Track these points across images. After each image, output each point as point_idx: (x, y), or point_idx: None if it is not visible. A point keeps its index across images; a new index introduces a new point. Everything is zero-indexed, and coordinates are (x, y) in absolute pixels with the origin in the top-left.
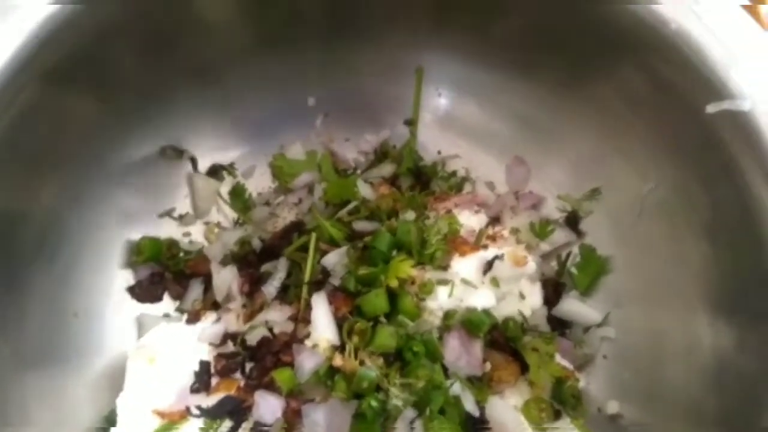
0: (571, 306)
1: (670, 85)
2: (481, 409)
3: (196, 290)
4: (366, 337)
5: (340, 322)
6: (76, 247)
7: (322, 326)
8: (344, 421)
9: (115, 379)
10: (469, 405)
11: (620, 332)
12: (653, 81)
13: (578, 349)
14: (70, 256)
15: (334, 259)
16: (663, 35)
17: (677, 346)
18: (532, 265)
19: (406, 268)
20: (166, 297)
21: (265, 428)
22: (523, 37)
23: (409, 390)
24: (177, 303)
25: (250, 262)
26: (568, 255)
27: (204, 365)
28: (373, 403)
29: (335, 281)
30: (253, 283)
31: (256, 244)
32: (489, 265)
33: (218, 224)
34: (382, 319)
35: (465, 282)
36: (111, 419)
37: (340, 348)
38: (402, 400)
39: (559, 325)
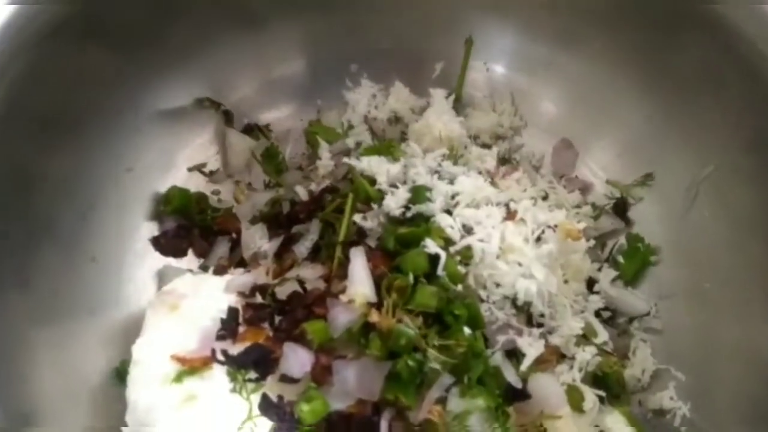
0: (618, 294)
1: (743, 59)
2: (524, 383)
3: (222, 247)
4: (405, 294)
5: (377, 281)
6: (98, 192)
7: (359, 280)
8: (376, 381)
9: (131, 333)
10: (511, 376)
11: (667, 325)
12: (724, 55)
13: (623, 339)
14: (92, 200)
15: (372, 219)
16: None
17: (732, 341)
18: (584, 243)
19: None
20: (191, 254)
21: (293, 382)
22: (579, 7)
23: (447, 354)
24: (201, 261)
25: (281, 222)
26: (615, 243)
27: (232, 311)
28: (411, 363)
29: (371, 242)
30: (284, 243)
31: (287, 206)
32: (539, 236)
33: (249, 185)
34: (423, 280)
35: (511, 250)
36: (122, 371)
37: (376, 306)
38: (440, 363)
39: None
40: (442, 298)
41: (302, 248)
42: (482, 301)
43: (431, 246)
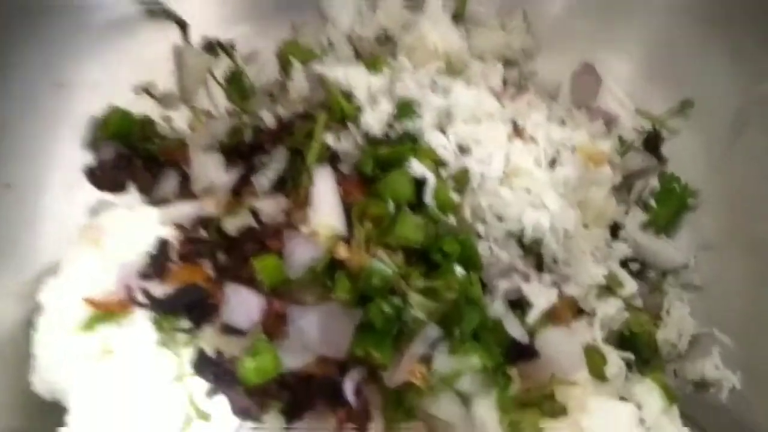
0: (648, 242)
1: None
2: (531, 339)
3: (170, 181)
4: (383, 225)
5: (347, 209)
6: (18, 105)
7: (325, 208)
8: (343, 332)
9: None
10: (515, 329)
11: (709, 280)
12: None
13: (654, 296)
14: (7, 114)
15: (347, 141)
16: None
17: None
18: (608, 172)
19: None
20: (132, 189)
21: (238, 334)
22: None
23: (434, 300)
24: (144, 197)
25: (242, 153)
26: (645, 185)
27: (162, 244)
28: (386, 308)
29: (346, 169)
30: (243, 176)
31: (250, 133)
32: (553, 159)
33: (207, 112)
34: (406, 209)
35: (517, 174)
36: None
37: (346, 240)
38: (424, 310)
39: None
40: (429, 232)
41: (263, 180)
42: (480, 237)
43: (417, 167)
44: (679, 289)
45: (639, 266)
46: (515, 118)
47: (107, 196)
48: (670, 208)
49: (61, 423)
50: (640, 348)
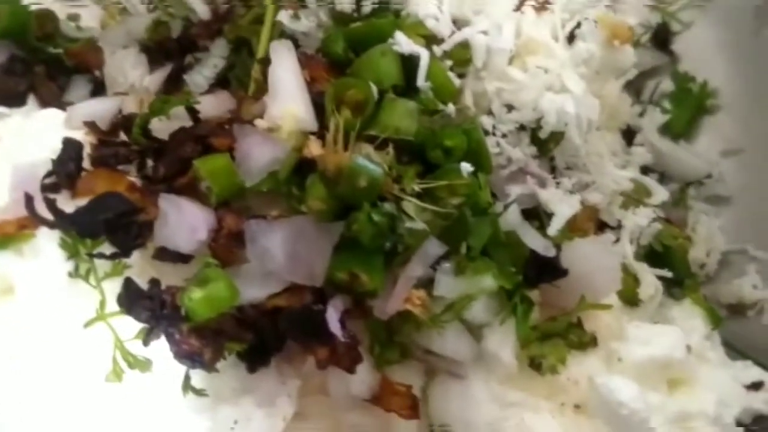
0: (668, 148)
1: None
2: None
3: (80, 90)
4: (365, 112)
5: (316, 99)
6: None
7: (287, 93)
8: (319, 252)
9: None
10: (535, 241)
11: (737, 190)
12: None
13: (678, 210)
14: None
15: (307, 20)
16: None
17: None
18: (631, 54)
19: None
20: (32, 101)
21: (179, 261)
22: None
23: (435, 207)
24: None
25: (169, 51)
26: (657, 85)
27: (72, 145)
28: (376, 217)
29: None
30: (172, 76)
31: (178, 27)
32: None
33: (122, 9)
34: (392, 96)
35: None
36: None
37: (318, 135)
38: (423, 220)
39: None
40: (423, 123)
41: (199, 78)
42: (486, 133)
43: (404, 44)
44: (703, 202)
45: (658, 177)
46: None
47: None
48: (687, 110)
49: None
50: (675, 265)
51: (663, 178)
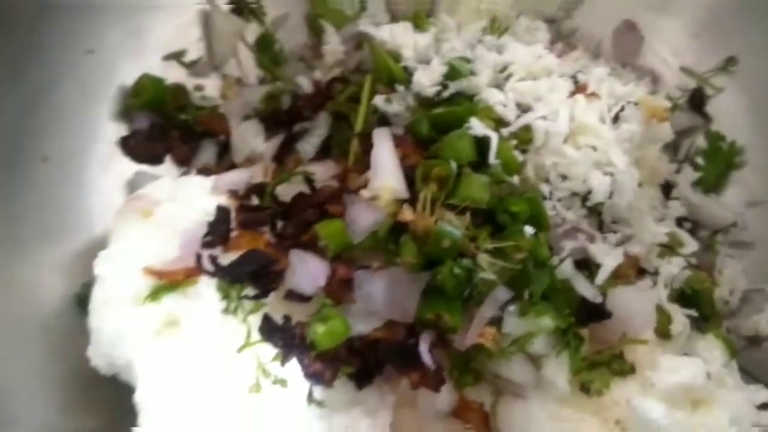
0: (700, 201)
1: None
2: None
3: (208, 152)
4: (446, 186)
5: (407, 173)
6: (50, 75)
7: (385, 170)
8: (411, 296)
9: (94, 253)
10: (587, 289)
11: (759, 237)
12: None
13: (707, 255)
14: (41, 85)
15: (398, 102)
16: None
17: None
18: (668, 127)
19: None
20: (169, 161)
21: (303, 301)
22: None
23: (503, 261)
24: (182, 169)
25: (280, 120)
26: (692, 143)
27: (222, 212)
28: (456, 270)
29: (398, 130)
30: (285, 143)
31: (288, 99)
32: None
33: (238, 80)
34: (468, 170)
35: (583, 132)
36: (84, 297)
37: (408, 202)
38: (494, 272)
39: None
40: (494, 191)
41: (308, 147)
42: (544, 198)
43: (478, 127)
44: (728, 247)
45: (691, 226)
46: (576, 73)
47: (144, 167)
48: (718, 166)
49: (116, 395)
50: (701, 305)
51: (695, 226)
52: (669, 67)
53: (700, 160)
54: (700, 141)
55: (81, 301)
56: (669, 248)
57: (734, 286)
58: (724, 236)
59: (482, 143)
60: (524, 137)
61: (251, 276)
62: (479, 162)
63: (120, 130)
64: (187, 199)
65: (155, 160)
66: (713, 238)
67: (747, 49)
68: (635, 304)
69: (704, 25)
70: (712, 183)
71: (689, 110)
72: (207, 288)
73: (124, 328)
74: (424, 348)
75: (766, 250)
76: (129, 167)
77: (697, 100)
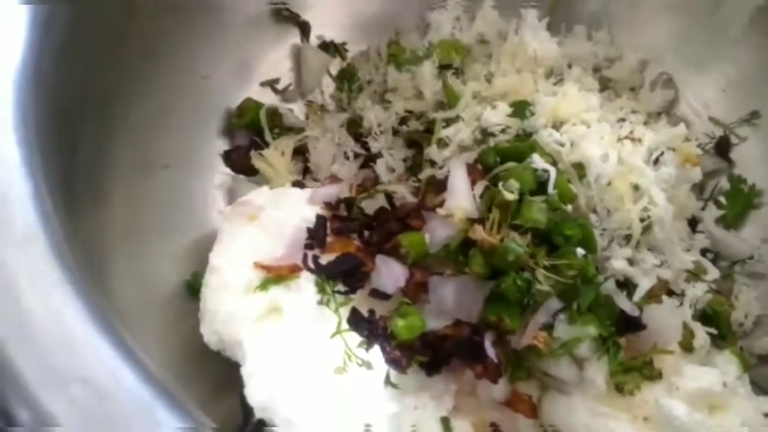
0: (722, 235)
1: None
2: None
3: (297, 167)
4: (510, 210)
5: (477, 196)
6: (173, 96)
7: (460, 194)
8: (476, 301)
9: (200, 246)
10: (626, 304)
11: None
12: None
13: (726, 282)
14: (165, 104)
15: (467, 132)
16: None
17: None
18: (698, 172)
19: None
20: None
21: (385, 298)
22: None
23: (557, 276)
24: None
25: (361, 143)
26: (716, 184)
27: (321, 219)
28: (518, 281)
29: (468, 159)
30: (363, 164)
31: (368, 125)
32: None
33: (321, 106)
34: (528, 197)
35: (628, 172)
36: (194, 285)
37: (479, 222)
38: (549, 285)
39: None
40: (551, 217)
41: (384, 168)
42: (593, 226)
43: (539, 162)
44: (745, 277)
45: (713, 256)
46: (621, 120)
47: (240, 177)
48: (738, 206)
49: (220, 366)
50: (720, 325)
51: (716, 257)
52: (699, 116)
53: (722, 200)
54: (724, 182)
55: (190, 287)
56: (694, 274)
57: (749, 311)
58: (741, 267)
59: (542, 175)
60: (578, 173)
61: (343, 275)
62: (539, 189)
63: (224, 144)
64: (289, 207)
65: (251, 171)
66: (732, 268)
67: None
68: (665, 320)
69: (732, 82)
70: (732, 220)
71: (715, 155)
72: (306, 282)
73: (235, 311)
74: (488, 344)
75: None
76: (228, 177)
77: (722, 147)
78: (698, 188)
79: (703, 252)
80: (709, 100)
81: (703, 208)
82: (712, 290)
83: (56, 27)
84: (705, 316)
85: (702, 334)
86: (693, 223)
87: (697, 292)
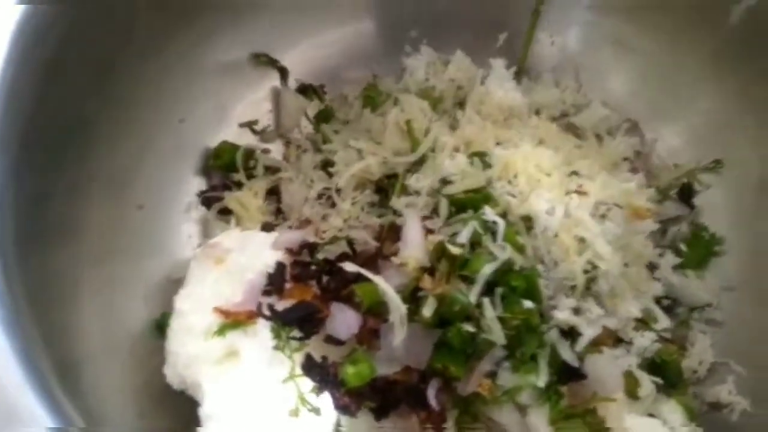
0: (680, 282)
1: None
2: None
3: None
4: (458, 262)
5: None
6: (150, 140)
7: (413, 244)
8: (425, 348)
9: (172, 286)
10: (567, 354)
11: (729, 317)
12: None
13: (681, 329)
14: (143, 147)
15: (428, 181)
16: None
17: None
18: (650, 223)
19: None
20: None
21: (338, 344)
22: None
23: (502, 326)
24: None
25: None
26: (678, 230)
27: (280, 266)
28: (463, 330)
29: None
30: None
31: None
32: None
33: (298, 146)
34: (478, 248)
35: (575, 224)
36: (162, 324)
37: (429, 271)
38: (494, 334)
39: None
40: (498, 271)
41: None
42: (539, 276)
43: (490, 214)
44: (703, 324)
45: (670, 302)
46: (573, 173)
47: (215, 217)
48: (699, 252)
49: (183, 404)
50: (668, 374)
51: (674, 303)
52: (664, 162)
53: (683, 246)
54: (685, 228)
55: (159, 326)
56: (644, 323)
57: (703, 358)
58: (699, 314)
59: (492, 227)
60: (526, 226)
61: (299, 321)
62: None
63: (201, 183)
64: (253, 253)
65: (225, 212)
66: (690, 315)
67: (732, 154)
68: (605, 370)
69: (697, 132)
70: (692, 267)
71: (678, 201)
72: (263, 328)
73: (197, 354)
74: (431, 392)
75: (734, 328)
76: (204, 216)
77: (686, 193)
78: (660, 233)
79: (661, 299)
80: (674, 149)
81: (661, 255)
82: (662, 339)
83: (38, 53)
84: (653, 365)
85: (647, 383)
86: (652, 268)
87: (645, 341)
